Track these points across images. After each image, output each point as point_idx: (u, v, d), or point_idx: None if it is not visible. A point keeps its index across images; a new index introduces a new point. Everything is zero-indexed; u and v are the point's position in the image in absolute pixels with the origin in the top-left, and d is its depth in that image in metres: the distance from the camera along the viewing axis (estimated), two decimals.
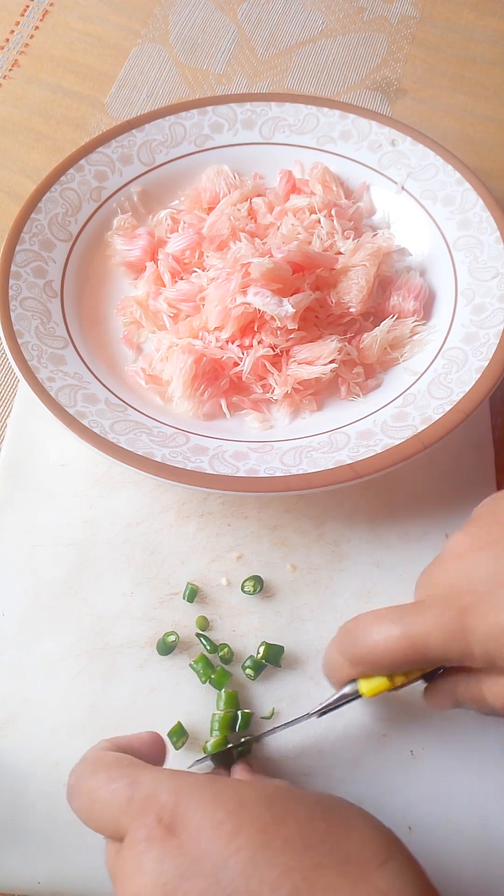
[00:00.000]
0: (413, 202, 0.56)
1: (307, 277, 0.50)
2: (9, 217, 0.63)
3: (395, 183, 0.57)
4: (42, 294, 0.51)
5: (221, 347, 0.51)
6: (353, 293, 0.51)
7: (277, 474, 0.44)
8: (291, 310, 0.48)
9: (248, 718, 0.43)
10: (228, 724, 0.43)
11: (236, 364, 0.50)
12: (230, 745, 0.41)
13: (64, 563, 0.48)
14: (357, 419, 0.48)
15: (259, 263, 0.48)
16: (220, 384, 0.50)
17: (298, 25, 0.74)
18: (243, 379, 0.50)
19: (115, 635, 0.46)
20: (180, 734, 0.43)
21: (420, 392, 0.48)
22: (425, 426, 0.46)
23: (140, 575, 0.48)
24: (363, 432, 0.47)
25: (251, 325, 0.50)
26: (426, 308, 0.53)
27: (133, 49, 0.73)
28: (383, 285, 0.54)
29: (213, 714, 0.43)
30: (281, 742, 0.43)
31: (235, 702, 0.43)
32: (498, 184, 0.64)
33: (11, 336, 0.48)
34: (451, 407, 0.46)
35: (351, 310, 0.52)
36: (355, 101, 0.69)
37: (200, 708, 0.44)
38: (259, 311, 0.49)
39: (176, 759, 0.42)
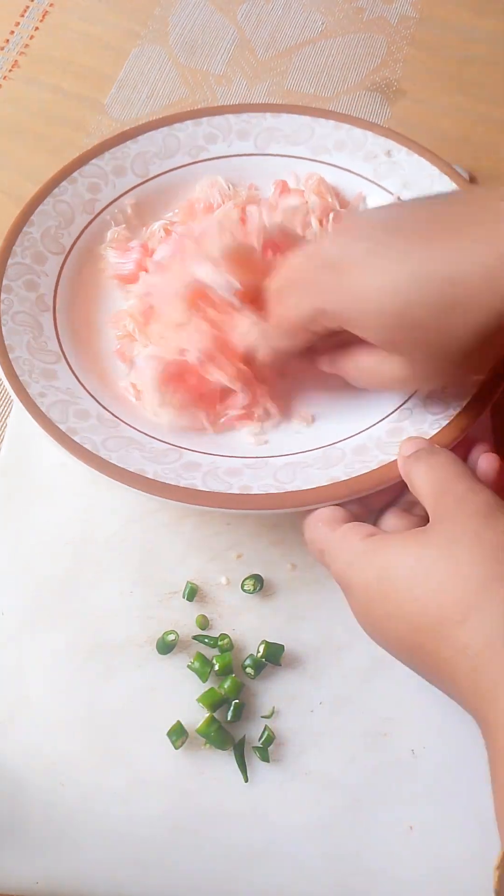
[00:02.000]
0: None
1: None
2: (8, 217, 0.63)
3: (391, 194, 0.56)
4: (34, 308, 0.51)
5: (181, 350, 0.49)
6: None
7: (271, 491, 0.43)
8: (236, 285, 0.46)
9: (239, 710, 0.43)
10: (214, 703, 0.43)
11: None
12: None
13: (62, 562, 0.48)
14: (352, 434, 0.48)
15: (218, 242, 0.47)
16: (191, 385, 0.48)
17: (298, 26, 0.74)
18: (208, 377, 0.48)
19: (113, 634, 0.46)
20: (180, 733, 0.42)
21: (416, 407, 0.47)
22: None
23: (139, 574, 0.47)
24: (358, 448, 0.46)
25: (198, 301, 0.48)
26: None
27: (133, 50, 0.73)
28: None
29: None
30: (281, 741, 0.43)
31: (237, 689, 0.43)
32: (497, 184, 0.64)
33: (3, 351, 0.47)
34: (447, 422, 0.45)
35: None
36: (355, 101, 0.69)
37: (200, 707, 0.44)
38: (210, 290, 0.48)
39: (175, 758, 0.42)
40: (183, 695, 0.44)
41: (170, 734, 0.42)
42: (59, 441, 0.44)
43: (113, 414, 0.48)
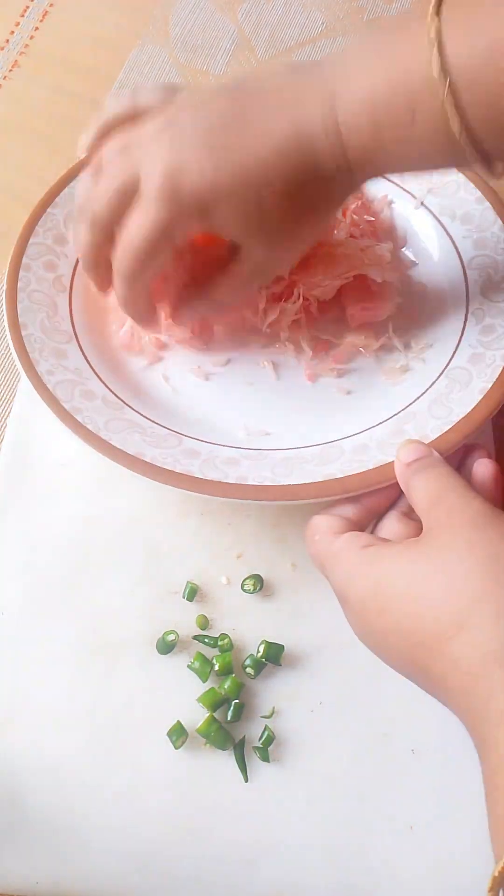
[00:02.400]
0: (431, 218, 0.56)
1: None
2: (9, 217, 0.63)
3: (415, 198, 0.57)
4: (51, 288, 0.51)
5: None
6: (308, 271, 0.51)
7: (266, 483, 0.44)
8: None
9: (239, 710, 0.43)
10: (214, 703, 0.43)
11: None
12: None
13: (63, 562, 0.48)
14: (354, 433, 0.48)
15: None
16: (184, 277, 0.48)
17: (298, 26, 0.74)
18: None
19: (114, 634, 0.46)
20: (180, 733, 0.42)
21: (421, 411, 0.47)
22: None
23: (139, 573, 0.47)
24: (358, 447, 0.46)
25: None
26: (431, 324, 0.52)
27: (133, 49, 0.73)
28: (357, 289, 0.53)
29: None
30: (281, 741, 0.43)
31: (237, 689, 0.43)
32: (496, 184, 0.64)
33: (16, 327, 0.48)
34: (448, 427, 0.45)
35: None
36: None
37: (200, 707, 0.44)
38: None
39: (175, 758, 0.42)
40: (183, 695, 0.44)
41: (170, 734, 0.42)
42: (63, 419, 0.45)
43: (118, 397, 0.48)
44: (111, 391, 0.49)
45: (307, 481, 0.44)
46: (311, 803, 0.41)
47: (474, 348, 0.50)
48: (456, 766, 0.42)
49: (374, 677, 0.44)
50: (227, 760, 0.42)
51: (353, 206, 0.54)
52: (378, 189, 0.57)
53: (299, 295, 0.51)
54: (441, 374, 0.49)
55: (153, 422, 0.48)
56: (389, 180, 0.57)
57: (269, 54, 0.72)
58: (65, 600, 0.47)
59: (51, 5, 0.76)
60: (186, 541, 0.48)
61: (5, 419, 0.54)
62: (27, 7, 0.76)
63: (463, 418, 0.45)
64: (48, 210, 0.54)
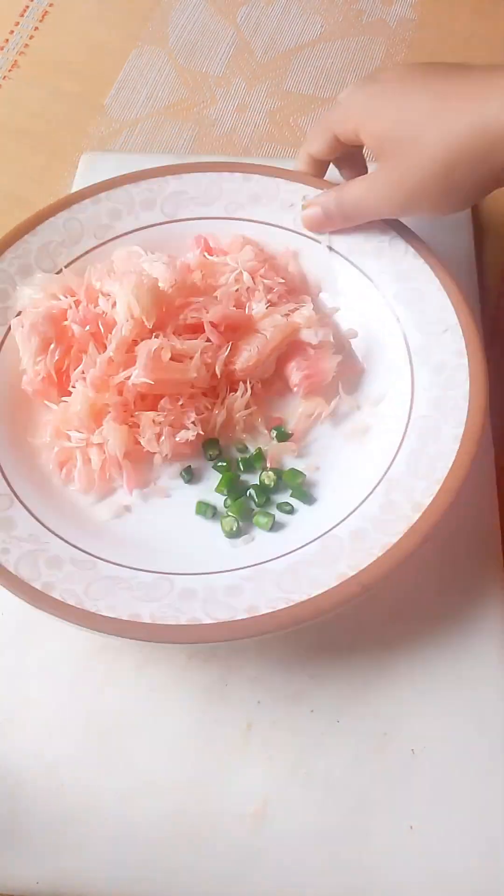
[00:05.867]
0: (342, 259, 0.53)
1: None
2: (8, 218, 0.63)
3: (320, 242, 0.53)
4: None
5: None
6: (242, 356, 0.49)
7: (280, 606, 0.41)
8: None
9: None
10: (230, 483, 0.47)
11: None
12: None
13: None
14: (345, 516, 0.45)
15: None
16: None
17: (297, 29, 0.74)
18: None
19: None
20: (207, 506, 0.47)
21: (401, 473, 0.45)
22: (418, 514, 0.43)
23: None
24: (356, 532, 0.44)
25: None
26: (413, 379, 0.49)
27: (132, 51, 0.73)
28: (293, 354, 0.51)
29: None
30: (280, 740, 0.43)
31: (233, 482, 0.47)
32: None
33: None
34: (438, 487, 0.43)
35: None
36: None
37: (201, 706, 0.44)
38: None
39: (174, 758, 0.42)
40: (183, 695, 0.44)
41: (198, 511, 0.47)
42: (38, 603, 0.41)
43: (86, 551, 0.44)
44: (76, 547, 0.44)
45: (321, 591, 0.41)
46: (311, 803, 0.41)
47: (430, 391, 0.47)
48: (456, 766, 0.42)
49: (375, 678, 0.44)
50: (227, 761, 0.42)
51: (261, 271, 0.52)
52: (278, 241, 0.54)
53: (247, 388, 0.49)
54: (407, 428, 0.47)
55: (133, 569, 0.44)
56: (285, 228, 0.54)
57: (268, 57, 0.73)
58: None
59: (50, 5, 0.76)
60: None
61: None
62: (27, 7, 0.76)
63: (449, 474, 0.43)
64: None
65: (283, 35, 0.74)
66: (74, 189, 0.62)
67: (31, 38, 0.74)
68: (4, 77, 0.71)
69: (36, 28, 0.75)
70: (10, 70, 0.72)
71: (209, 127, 0.69)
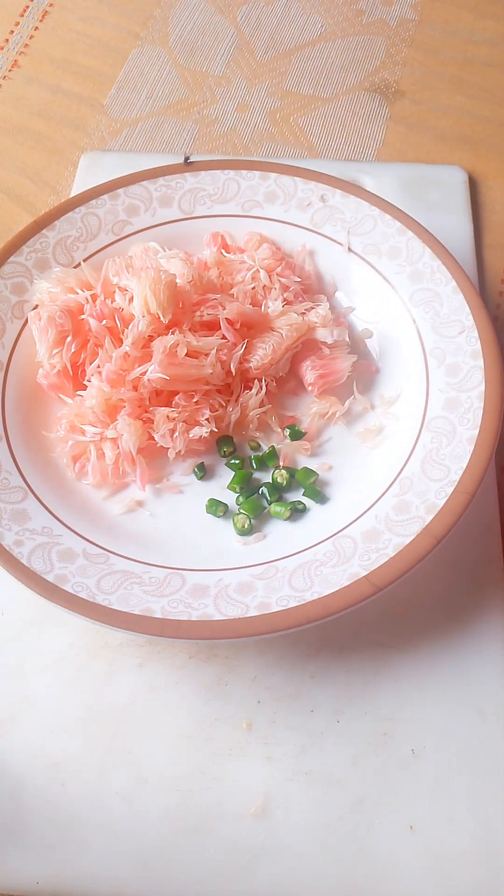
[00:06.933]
0: (358, 259, 0.53)
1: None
2: (8, 218, 0.63)
3: (335, 242, 0.53)
4: None
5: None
6: (257, 354, 0.49)
7: (291, 604, 0.40)
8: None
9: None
10: (242, 479, 0.48)
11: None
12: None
13: None
14: (358, 516, 0.45)
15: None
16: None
17: (297, 28, 0.74)
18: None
19: (114, 634, 0.46)
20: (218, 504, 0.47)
21: (415, 474, 0.45)
22: (432, 515, 0.42)
23: None
24: (368, 532, 0.43)
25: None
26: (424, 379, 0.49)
27: (133, 50, 0.73)
28: (308, 352, 0.51)
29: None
30: (280, 739, 0.43)
31: (245, 479, 0.47)
32: (496, 183, 0.64)
33: None
34: (452, 489, 0.43)
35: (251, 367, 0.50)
36: (354, 102, 0.70)
37: (201, 706, 0.44)
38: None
39: (174, 758, 0.42)
40: (184, 694, 0.44)
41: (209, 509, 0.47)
42: (50, 596, 0.41)
43: (99, 546, 0.44)
44: (89, 541, 0.44)
45: (333, 590, 0.40)
46: (312, 803, 0.41)
47: (445, 392, 0.47)
48: (456, 766, 0.42)
49: (375, 677, 0.44)
50: (227, 761, 0.42)
51: (277, 269, 0.52)
52: (295, 240, 0.54)
53: (261, 386, 0.49)
54: (421, 429, 0.47)
55: (145, 563, 0.44)
56: (302, 227, 0.54)
57: (269, 56, 0.73)
58: None
59: (50, 5, 0.76)
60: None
61: None
62: (27, 7, 0.76)
63: (463, 475, 0.43)
64: None
65: (284, 34, 0.74)
66: (75, 188, 0.63)
67: (32, 37, 0.74)
68: (5, 76, 0.71)
69: (36, 28, 0.75)
70: (10, 69, 0.72)
71: (209, 126, 0.69)
